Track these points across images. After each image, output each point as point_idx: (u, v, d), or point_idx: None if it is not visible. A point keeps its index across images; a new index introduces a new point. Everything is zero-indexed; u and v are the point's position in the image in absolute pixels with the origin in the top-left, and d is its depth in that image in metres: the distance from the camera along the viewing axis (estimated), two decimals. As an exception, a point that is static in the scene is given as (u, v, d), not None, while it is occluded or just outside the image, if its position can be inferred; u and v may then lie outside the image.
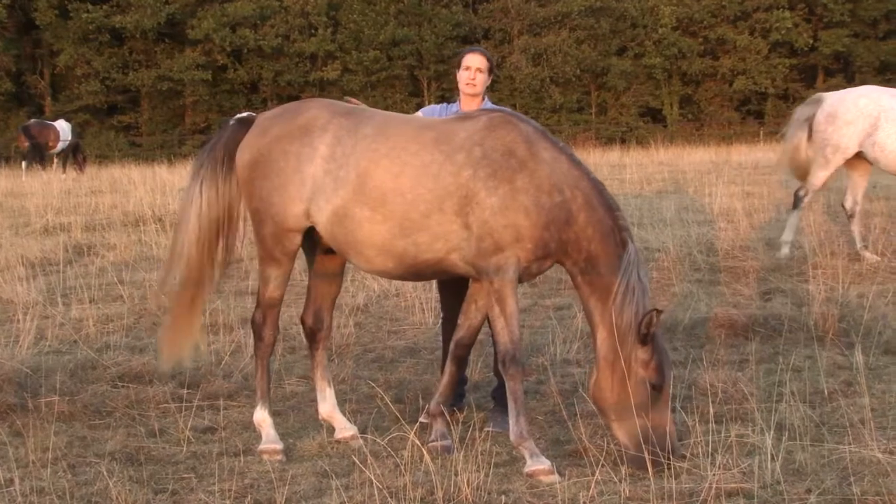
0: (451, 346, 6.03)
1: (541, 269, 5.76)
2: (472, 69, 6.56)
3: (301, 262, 6.62)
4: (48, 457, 5.77)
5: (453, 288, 6.58)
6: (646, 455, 5.35)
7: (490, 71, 6.63)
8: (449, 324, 6.67)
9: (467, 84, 6.59)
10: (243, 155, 6.00)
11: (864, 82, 52.39)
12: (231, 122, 6.21)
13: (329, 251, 6.09)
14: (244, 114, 6.30)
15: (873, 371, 7.25)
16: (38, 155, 29.78)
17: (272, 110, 6.26)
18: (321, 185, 5.73)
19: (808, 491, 5.07)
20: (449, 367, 6.05)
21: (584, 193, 5.58)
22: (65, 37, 46.84)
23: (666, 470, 5.27)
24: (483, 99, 6.69)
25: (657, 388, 5.45)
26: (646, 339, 5.43)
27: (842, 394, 6.72)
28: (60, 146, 30.11)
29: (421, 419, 6.31)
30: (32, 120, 33.69)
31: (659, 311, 5.44)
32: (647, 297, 5.57)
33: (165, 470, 5.70)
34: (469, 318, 5.97)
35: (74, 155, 30.44)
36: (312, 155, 5.78)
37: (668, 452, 5.39)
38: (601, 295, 5.56)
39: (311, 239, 6.04)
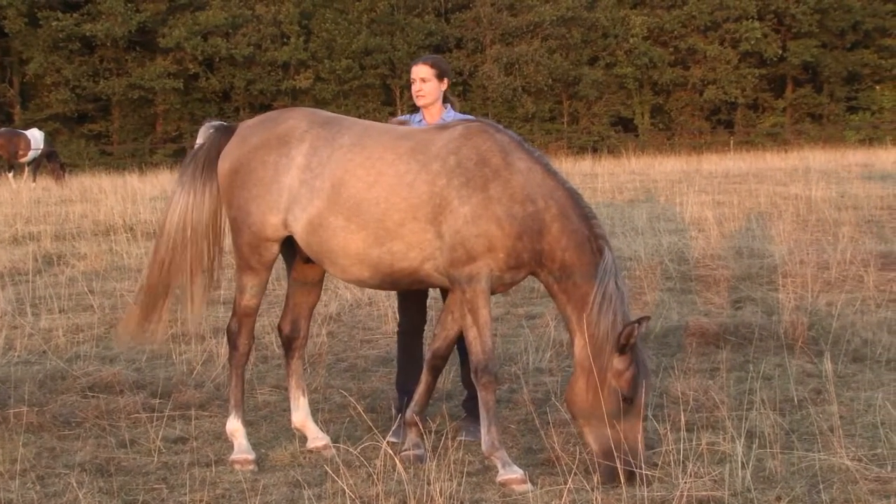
0: (428, 356, 6.04)
1: (514, 280, 5.76)
2: (417, 80, 6.63)
3: (276, 270, 6.60)
4: (17, 468, 5.71)
5: (412, 299, 6.59)
6: (615, 465, 5.33)
7: (441, 77, 6.63)
8: (405, 335, 6.67)
9: (417, 96, 6.67)
10: (223, 164, 6.03)
11: (832, 93, 53.18)
12: (209, 129, 6.20)
13: (308, 260, 6.09)
14: (215, 122, 6.30)
15: (842, 379, 7.31)
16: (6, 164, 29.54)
17: (253, 119, 6.28)
18: (297, 194, 5.74)
19: (779, 498, 5.11)
20: (425, 377, 6.05)
21: (558, 203, 5.59)
22: (34, 45, 46.41)
23: (638, 478, 5.29)
24: (445, 107, 6.70)
25: (629, 400, 5.43)
26: (624, 349, 5.43)
27: (811, 401, 6.77)
28: (31, 155, 29.83)
29: (389, 438, 6.09)
30: (2, 129, 33.38)
31: (643, 321, 5.42)
32: (627, 304, 5.57)
33: (136, 481, 5.66)
34: (446, 328, 5.97)
35: (50, 164, 30.14)
36: (289, 165, 5.79)
37: (637, 464, 5.37)
38: (577, 303, 5.55)
39: (290, 247, 6.05)
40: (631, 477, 5.31)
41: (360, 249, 5.65)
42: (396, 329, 6.88)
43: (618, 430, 5.41)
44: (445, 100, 6.72)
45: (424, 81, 6.60)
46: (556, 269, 5.58)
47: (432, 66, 6.62)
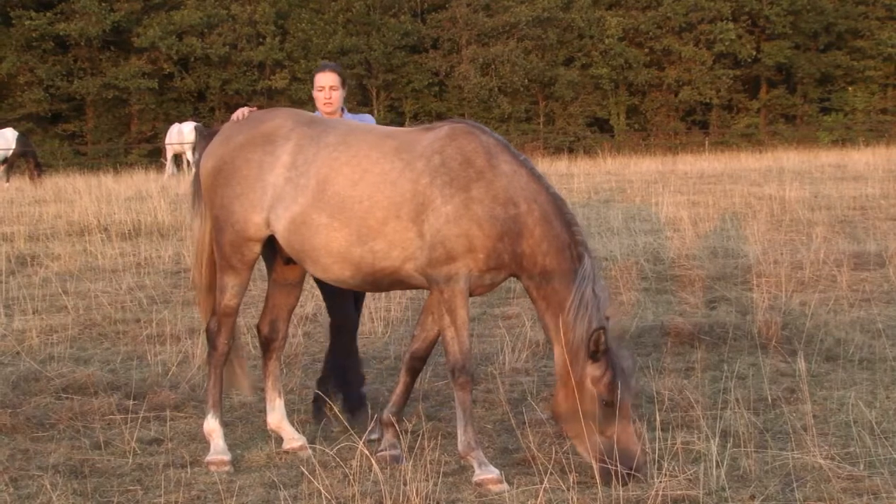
0: (406, 356, 6.05)
1: (494, 282, 5.76)
2: (326, 88, 6.72)
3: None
4: (-10, 470, 5.68)
5: (344, 297, 6.63)
6: (610, 468, 5.31)
7: (344, 84, 6.78)
8: (341, 333, 6.68)
9: (325, 104, 6.76)
10: (207, 162, 6.04)
11: (805, 94, 53.55)
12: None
13: (289, 261, 6.09)
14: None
15: (815, 378, 7.36)
16: None
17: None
18: (281, 193, 5.74)
19: (753, 497, 5.14)
20: (403, 378, 6.06)
21: (541, 207, 5.59)
22: (7, 44, 46.08)
23: (613, 477, 5.30)
24: (341, 113, 6.84)
25: (609, 405, 5.41)
26: (595, 355, 5.43)
27: (785, 401, 6.82)
28: (1, 155, 29.58)
29: (365, 438, 6.14)
30: (-26, 129, 33.06)
31: (604, 329, 5.39)
32: (603, 310, 5.54)
33: (110, 482, 5.64)
34: (425, 329, 5.98)
35: (27, 164, 29.90)
36: (274, 163, 5.79)
37: (634, 467, 5.35)
38: (555, 309, 5.56)
39: (271, 248, 6.04)
40: (630, 478, 5.30)
41: (342, 248, 5.65)
42: (329, 329, 6.89)
43: (607, 434, 5.39)
44: None
45: (333, 90, 6.73)
46: (537, 274, 5.58)
47: (339, 74, 6.77)
